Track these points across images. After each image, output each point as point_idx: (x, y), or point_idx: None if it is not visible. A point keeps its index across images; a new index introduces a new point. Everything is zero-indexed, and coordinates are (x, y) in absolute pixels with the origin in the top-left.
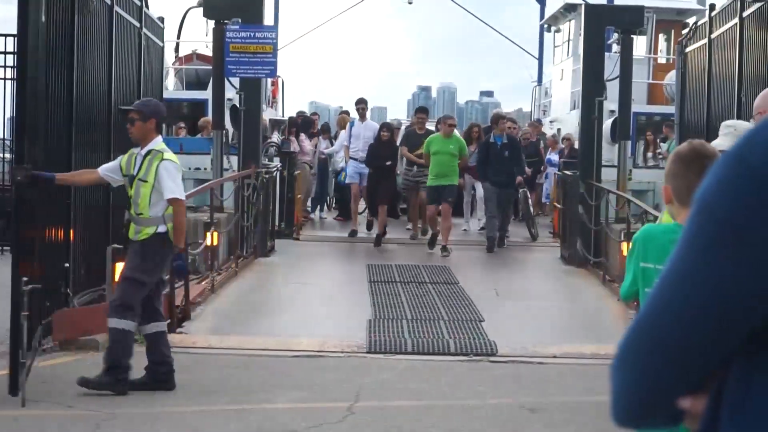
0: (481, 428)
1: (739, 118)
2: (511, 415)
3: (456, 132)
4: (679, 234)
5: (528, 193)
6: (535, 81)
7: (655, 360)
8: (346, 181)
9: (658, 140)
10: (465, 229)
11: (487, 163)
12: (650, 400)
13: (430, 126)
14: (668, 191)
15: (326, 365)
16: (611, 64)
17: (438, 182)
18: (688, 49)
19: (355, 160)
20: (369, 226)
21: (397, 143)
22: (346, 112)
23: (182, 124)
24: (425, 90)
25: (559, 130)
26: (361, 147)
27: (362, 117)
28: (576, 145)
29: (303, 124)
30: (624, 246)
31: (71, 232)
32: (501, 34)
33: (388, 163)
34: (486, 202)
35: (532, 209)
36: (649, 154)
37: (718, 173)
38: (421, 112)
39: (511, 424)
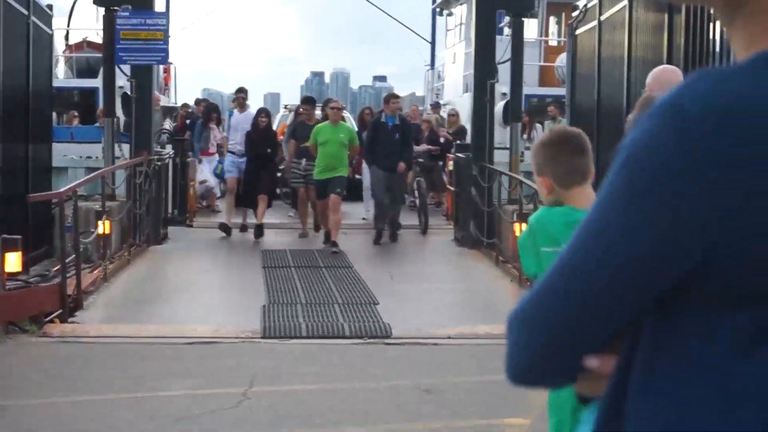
0: (376, 410)
1: (628, 99)
2: (406, 397)
3: (350, 120)
4: (574, 215)
5: (424, 182)
6: (428, 65)
7: (563, 314)
8: (225, 176)
9: (536, 123)
10: (364, 218)
11: (375, 145)
12: (554, 357)
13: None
14: (546, 182)
15: (221, 351)
16: (503, 47)
17: (326, 175)
18: (578, 32)
19: (233, 153)
20: (243, 229)
21: (276, 129)
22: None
23: (75, 113)
24: (318, 75)
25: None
26: (239, 140)
27: (242, 107)
28: (461, 122)
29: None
30: (517, 227)
31: None
32: (394, 19)
33: (268, 150)
34: (373, 187)
35: (427, 199)
36: (524, 136)
37: (652, 124)
38: (306, 102)
39: (406, 405)
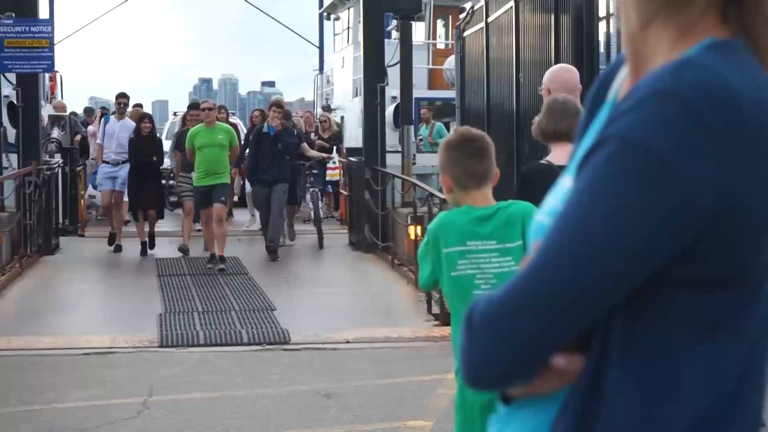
0: (277, 415)
1: (517, 100)
2: (307, 402)
3: (241, 126)
4: (476, 213)
5: (319, 193)
6: (317, 69)
7: (545, 315)
8: (98, 189)
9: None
10: (247, 227)
11: (258, 158)
12: (525, 360)
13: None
14: (447, 181)
15: (118, 362)
16: (391, 50)
17: (207, 181)
18: (466, 34)
19: (107, 163)
20: (111, 241)
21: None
22: (140, 105)
23: None
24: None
25: (342, 117)
26: (114, 148)
27: (121, 114)
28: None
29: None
30: (411, 229)
31: None
32: (281, 23)
33: (154, 158)
34: (255, 206)
35: (322, 212)
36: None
37: (645, 112)
38: (194, 108)
39: (307, 410)
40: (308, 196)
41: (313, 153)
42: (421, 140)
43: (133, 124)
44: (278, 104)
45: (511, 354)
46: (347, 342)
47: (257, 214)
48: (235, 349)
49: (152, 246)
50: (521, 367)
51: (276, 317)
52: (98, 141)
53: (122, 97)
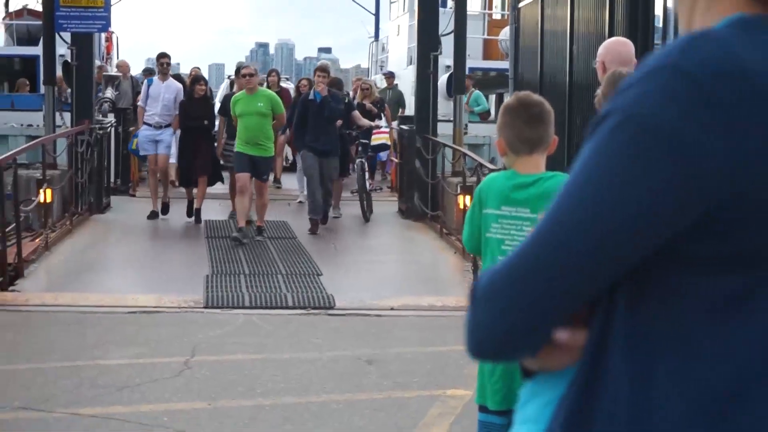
0: (318, 380)
1: (570, 73)
2: (348, 367)
3: (291, 90)
4: (517, 179)
5: (365, 164)
6: (373, 37)
7: (543, 286)
8: (140, 153)
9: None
10: (300, 201)
11: (304, 126)
12: (526, 333)
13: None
14: (501, 144)
15: (162, 321)
16: (446, 20)
17: (249, 151)
18: (521, 5)
19: (150, 125)
20: (165, 210)
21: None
22: (196, 68)
23: (26, 81)
24: (263, 46)
25: (396, 85)
26: (159, 111)
27: (164, 75)
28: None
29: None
30: (461, 199)
31: None
32: None
33: (205, 122)
34: (306, 173)
35: (368, 184)
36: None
37: (649, 85)
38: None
39: (348, 375)
40: (357, 167)
41: (365, 121)
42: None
43: (177, 84)
44: (323, 69)
45: (509, 325)
46: (392, 309)
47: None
48: (279, 313)
49: (198, 220)
50: (520, 339)
51: (322, 282)
52: (140, 103)
53: (164, 56)
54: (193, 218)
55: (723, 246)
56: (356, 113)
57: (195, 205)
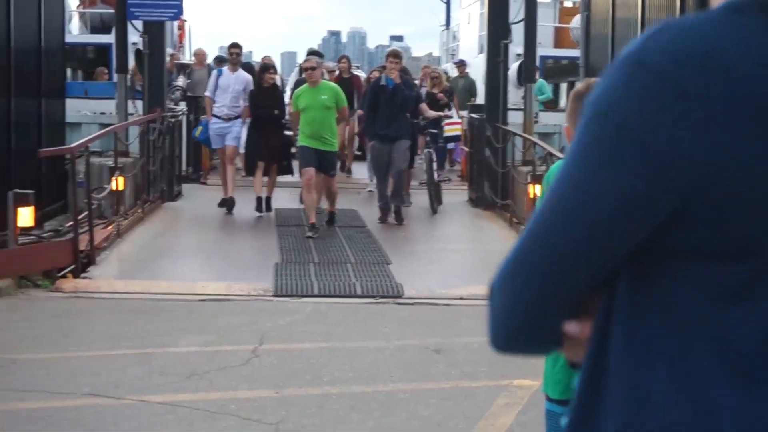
0: (385, 369)
1: None
2: (415, 356)
3: (360, 73)
4: None
5: (433, 154)
6: (443, 25)
7: (538, 278)
8: (212, 146)
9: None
10: (370, 190)
11: (375, 113)
12: (533, 322)
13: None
14: (569, 130)
15: (232, 309)
16: (517, 7)
17: (314, 145)
18: None
19: (219, 118)
20: (227, 206)
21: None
22: (269, 57)
23: (105, 70)
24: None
25: (467, 73)
26: (228, 103)
27: (234, 66)
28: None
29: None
30: (530, 188)
31: None
32: None
33: (275, 111)
34: (373, 163)
35: (436, 175)
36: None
37: (614, 78)
38: (314, 56)
39: (415, 364)
40: (423, 156)
41: (432, 113)
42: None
43: (247, 76)
44: (396, 54)
45: (514, 315)
46: (461, 298)
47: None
48: (348, 301)
49: (269, 208)
50: (526, 329)
51: (391, 271)
52: (207, 93)
53: (235, 47)
54: (262, 212)
55: (707, 237)
56: (423, 105)
57: (265, 194)
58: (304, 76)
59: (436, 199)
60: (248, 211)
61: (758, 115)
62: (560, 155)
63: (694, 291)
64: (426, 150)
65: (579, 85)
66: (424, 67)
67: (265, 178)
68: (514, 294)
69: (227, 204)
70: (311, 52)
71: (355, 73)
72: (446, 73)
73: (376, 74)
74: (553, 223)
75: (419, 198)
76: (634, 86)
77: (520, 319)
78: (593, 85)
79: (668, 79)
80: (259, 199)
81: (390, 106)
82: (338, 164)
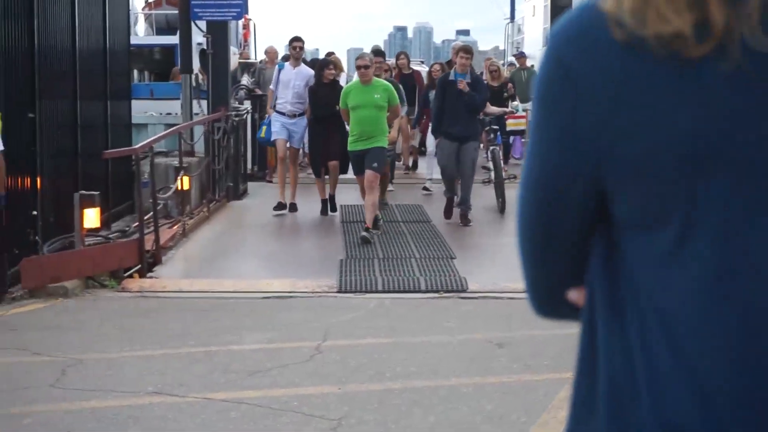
0: (448, 363)
1: None
2: (478, 350)
3: (421, 68)
4: None
5: (499, 151)
6: (508, 18)
7: (526, 237)
8: (271, 138)
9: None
10: (425, 188)
11: (442, 110)
12: (543, 291)
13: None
14: None
15: (296, 306)
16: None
17: (361, 146)
18: None
19: (282, 114)
20: (284, 209)
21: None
22: (331, 53)
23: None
24: (401, 30)
25: (532, 65)
26: (290, 99)
27: (296, 60)
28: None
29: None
30: None
31: (38, 179)
32: None
33: (336, 108)
34: (440, 162)
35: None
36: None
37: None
38: (375, 55)
39: (478, 358)
40: (488, 155)
41: (495, 109)
42: None
43: (309, 71)
44: (467, 50)
45: (526, 274)
46: (525, 292)
47: (434, 171)
48: (411, 296)
49: (333, 208)
50: (540, 288)
51: (455, 265)
52: (271, 86)
53: (297, 40)
54: (326, 214)
55: (626, 207)
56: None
57: (328, 191)
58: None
59: (500, 198)
60: (313, 208)
61: (625, 88)
62: None
63: (636, 258)
64: (492, 148)
65: None
66: (486, 60)
67: (327, 177)
68: (521, 249)
69: (284, 208)
70: (375, 51)
71: (416, 68)
72: (512, 64)
73: (437, 68)
74: (521, 198)
75: (481, 195)
76: (542, 61)
77: (534, 287)
78: None
79: (556, 55)
80: (324, 202)
81: (457, 105)
82: (387, 162)
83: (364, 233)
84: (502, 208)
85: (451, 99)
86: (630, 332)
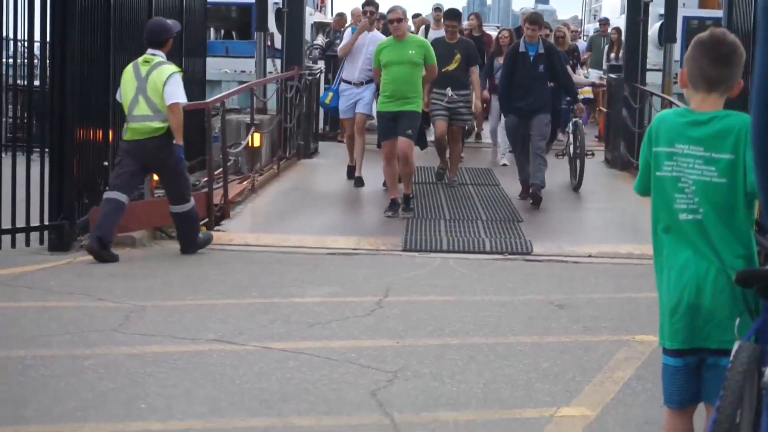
0: (507, 321)
1: None
2: (538, 310)
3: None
4: (691, 117)
5: (580, 124)
6: None
7: None
8: (341, 116)
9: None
10: (504, 164)
11: (511, 84)
12: None
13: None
14: (684, 75)
15: (360, 262)
16: None
17: (393, 107)
18: None
19: (349, 83)
20: (356, 181)
21: None
22: (418, 15)
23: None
24: None
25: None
26: (360, 65)
27: (370, 25)
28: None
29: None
30: None
31: (110, 131)
32: None
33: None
34: (510, 138)
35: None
36: (612, 55)
37: None
38: (450, 18)
39: (538, 318)
40: (569, 127)
41: (581, 79)
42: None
43: (383, 37)
44: (533, 20)
45: None
46: (590, 256)
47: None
48: (476, 257)
49: (408, 207)
50: None
51: (522, 228)
52: (338, 49)
53: (369, 4)
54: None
55: None
56: (576, 77)
57: (402, 190)
58: (429, 33)
59: (579, 175)
60: (380, 171)
61: None
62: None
63: None
64: (574, 120)
65: (703, 34)
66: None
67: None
68: None
69: (356, 180)
70: (450, 12)
71: (487, 32)
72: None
73: (505, 34)
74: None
75: (552, 168)
76: None
77: None
78: (717, 36)
79: None
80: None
81: (528, 77)
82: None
83: (404, 210)
84: (577, 186)
85: (520, 72)
86: None
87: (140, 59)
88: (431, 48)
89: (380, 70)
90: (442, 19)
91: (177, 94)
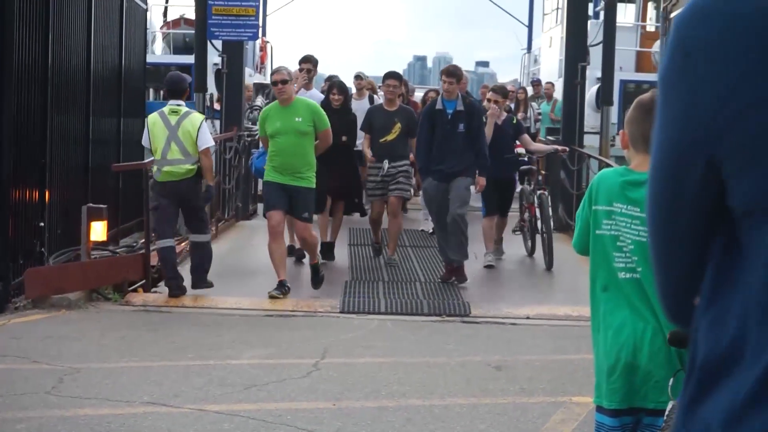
0: (444, 384)
1: None
2: (476, 372)
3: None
4: (630, 176)
5: (547, 197)
6: (525, 48)
7: (658, 254)
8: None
9: (531, 102)
10: (423, 229)
11: (430, 144)
12: (670, 297)
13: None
14: (625, 137)
15: (297, 324)
16: (596, 31)
17: (282, 181)
18: (672, 15)
19: None
20: (293, 254)
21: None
22: (334, 76)
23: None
24: (421, 60)
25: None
26: None
27: (308, 84)
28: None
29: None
30: None
31: (46, 192)
32: (493, 2)
33: (343, 138)
34: (428, 206)
35: (549, 222)
36: (521, 114)
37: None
38: (392, 77)
39: (475, 380)
40: (533, 199)
41: (539, 146)
42: (539, 115)
43: (320, 96)
44: (450, 73)
45: (656, 278)
46: (527, 318)
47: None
48: (413, 319)
49: (331, 256)
50: (671, 303)
51: (460, 290)
52: None
53: (305, 61)
54: (330, 259)
55: (744, 192)
56: (525, 137)
57: (329, 238)
58: (383, 103)
59: (549, 252)
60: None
61: (762, 58)
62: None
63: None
64: (540, 192)
65: (644, 96)
66: (483, 87)
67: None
68: (652, 252)
69: (293, 253)
70: (391, 74)
71: (412, 99)
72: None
73: (432, 95)
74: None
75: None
76: (668, 45)
77: (662, 293)
78: (651, 98)
79: (680, 37)
80: (322, 245)
81: (446, 137)
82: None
83: (312, 278)
84: (549, 265)
85: (440, 130)
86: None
87: (166, 109)
88: (321, 112)
89: (266, 138)
90: (364, 88)
91: (208, 140)
